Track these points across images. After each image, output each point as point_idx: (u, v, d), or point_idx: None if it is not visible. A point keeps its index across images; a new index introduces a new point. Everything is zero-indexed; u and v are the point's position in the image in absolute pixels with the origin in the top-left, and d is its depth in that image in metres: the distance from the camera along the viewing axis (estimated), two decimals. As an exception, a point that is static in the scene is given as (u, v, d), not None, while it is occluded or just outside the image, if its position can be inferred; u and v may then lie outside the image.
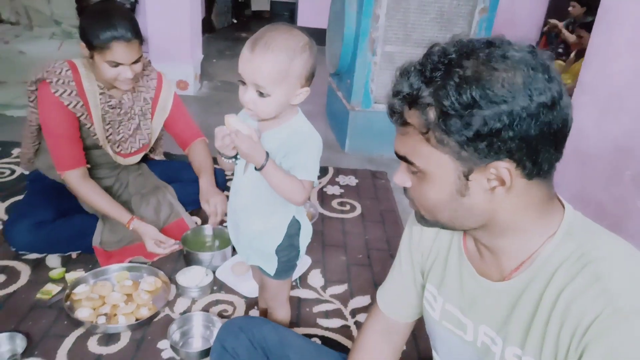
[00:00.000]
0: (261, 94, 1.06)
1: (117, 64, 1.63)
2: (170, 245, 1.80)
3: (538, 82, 0.63)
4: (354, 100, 2.93)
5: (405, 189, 0.78)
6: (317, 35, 3.92)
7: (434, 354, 0.99)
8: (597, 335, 0.62)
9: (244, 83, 1.07)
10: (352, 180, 2.67)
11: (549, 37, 5.39)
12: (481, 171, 0.68)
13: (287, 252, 1.26)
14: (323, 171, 2.73)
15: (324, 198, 2.46)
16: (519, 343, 0.74)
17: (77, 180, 1.75)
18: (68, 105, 1.70)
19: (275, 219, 1.21)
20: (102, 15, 1.61)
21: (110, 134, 1.84)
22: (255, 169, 1.10)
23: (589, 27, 3.90)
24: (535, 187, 0.70)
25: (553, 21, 5.03)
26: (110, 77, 1.67)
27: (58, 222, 1.75)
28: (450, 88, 0.64)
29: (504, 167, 0.67)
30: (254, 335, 1.13)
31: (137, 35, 1.63)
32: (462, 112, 0.63)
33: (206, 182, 1.83)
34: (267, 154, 1.09)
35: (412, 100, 0.68)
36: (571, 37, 4.67)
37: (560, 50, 5.08)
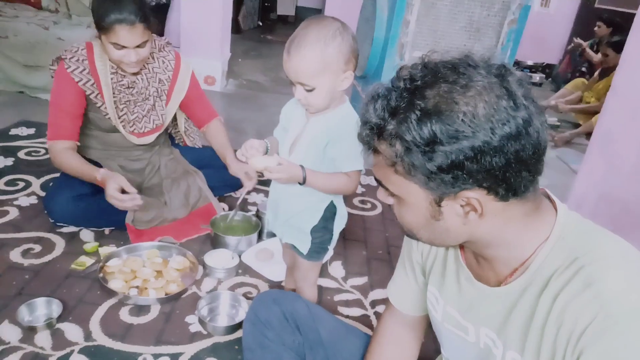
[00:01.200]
0: (308, 90, 1.12)
1: (121, 47, 1.67)
2: (131, 198, 1.66)
3: (501, 113, 0.62)
4: (379, 103, 2.98)
5: (390, 205, 0.79)
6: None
7: (442, 349, 1.01)
8: (592, 341, 0.62)
9: (294, 83, 1.14)
10: (373, 181, 2.72)
11: (573, 55, 5.43)
12: (452, 199, 0.68)
13: (321, 235, 1.32)
14: (345, 170, 2.79)
15: (345, 196, 2.50)
16: (518, 348, 0.74)
17: (57, 150, 1.79)
18: (78, 82, 1.76)
19: (314, 200, 1.27)
20: None
21: (125, 113, 1.88)
22: (300, 184, 1.17)
23: (616, 46, 3.95)
24: (514, 206, 0.69)
25: (578, 40, 5.06)
26: (115, 59, 1.72)
27: (96, 197, 1.82)
28: (411, 122, 0.64)
29: (473, 197, 0.67)
30: (286, 308, 1.17)
31: (142, 19, 1.64)
32: (424, 148, 0.63)
33: (233, 159, 1.83)
34: (302, 167, 1.17)
35: (379, 132, 0.68)
36: (595, 57, 4.70)
37: (583, 69, 5.11)
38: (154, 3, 3.50)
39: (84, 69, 1.77)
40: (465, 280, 0.84)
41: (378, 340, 1.10)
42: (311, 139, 1.22)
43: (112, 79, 1.81)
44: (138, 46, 1.69)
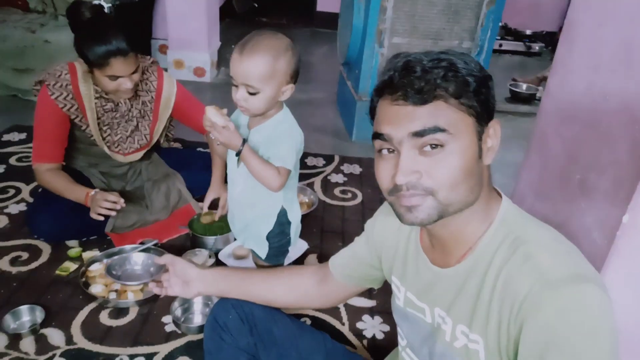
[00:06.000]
0: (251, 93, 1.18)
1: (116, 77, 1.73)
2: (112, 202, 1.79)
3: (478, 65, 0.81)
4: (361, 91, 3.01)
5: (402, 187, 0.78)
6: (336, 21, 3.88)
7: (399, 338, 1.09)
8: (532, 307, 0.71)
9: (235, 85, 1.20)
10: (356, 169, 2.77)
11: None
12: (486, 132, 0.80)
13: (279, 239, 1.39)
14: (329, 159, 2.84)
15: (327, 186, 2.56)
16: (467, 321, 0.84)
17: (42, 171, 1.88)
18: (63, 107, 1.81)
19: (263, 207, 1.34)
20: (97, 33, 1.68)
21: (108, 135, 1.95)
22: (235, 154, 1.23)
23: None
24: (487, 169, 0.83)
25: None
26: (111, 89, 1.77)
27: (76, 212, 1.88)
28: (457, 62, 0.77)
29: (497, 123, 0.81)
30: (244, 311, 1.25)
31: (131, 47, 1.71)
32: (477, 76, 0.77)
33: (217, 177, 1.90)
34: (245, 140, 1.22)
35: (444, 74, 0.76)
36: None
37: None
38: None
39: (68, 95, 1.81)
40: (422, 266, 0.93)
41: (286, 271, 1.23)
42: (254, 147, 1.29)
43: (95, 103, 1.86)
44: (132, 73, 1.76)
